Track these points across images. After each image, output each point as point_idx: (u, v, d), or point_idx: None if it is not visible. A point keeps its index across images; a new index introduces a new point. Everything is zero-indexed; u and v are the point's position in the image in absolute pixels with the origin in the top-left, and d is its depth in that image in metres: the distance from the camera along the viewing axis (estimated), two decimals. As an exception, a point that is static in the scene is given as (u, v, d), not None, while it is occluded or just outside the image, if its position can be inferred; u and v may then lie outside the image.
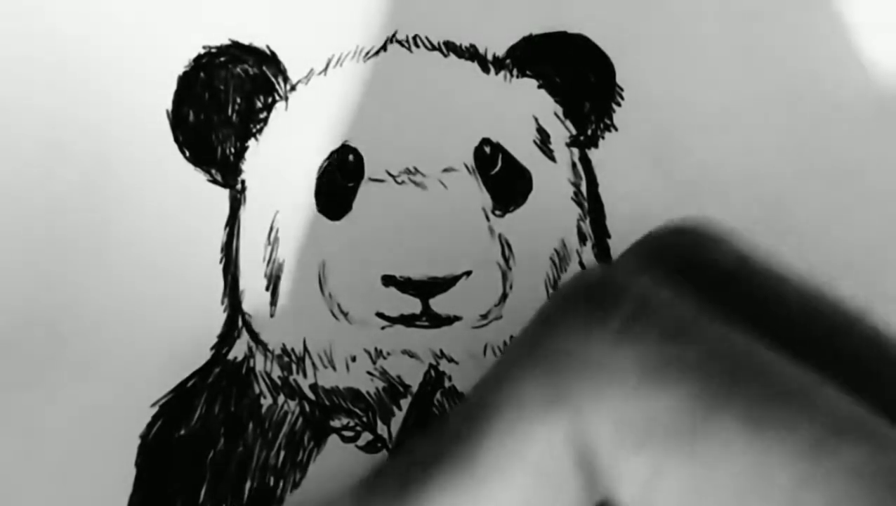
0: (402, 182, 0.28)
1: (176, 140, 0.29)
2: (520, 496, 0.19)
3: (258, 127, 0.29)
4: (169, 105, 0.29)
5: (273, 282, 0.28)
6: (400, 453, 0.21)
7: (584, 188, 0.29)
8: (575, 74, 0.29)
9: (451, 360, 0.28)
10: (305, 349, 0.28)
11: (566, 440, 0.18)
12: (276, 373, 0.28)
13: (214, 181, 0.29)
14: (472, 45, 0.29)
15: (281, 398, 0.28)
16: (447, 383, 0.28)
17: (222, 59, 0.29)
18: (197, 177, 0.29)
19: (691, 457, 0.17)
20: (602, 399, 0.18)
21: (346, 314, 0.28)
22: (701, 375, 0.18)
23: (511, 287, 0.28)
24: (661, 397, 0.18)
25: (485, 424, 0.19)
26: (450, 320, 0.28)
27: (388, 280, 0.28)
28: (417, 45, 0.29)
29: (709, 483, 0.17)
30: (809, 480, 0.17)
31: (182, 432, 0.28)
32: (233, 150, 0.29)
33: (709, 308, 0.19)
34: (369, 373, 0.28)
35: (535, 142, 0.29)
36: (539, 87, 0.29)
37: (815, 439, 0.17)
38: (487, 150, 0.29)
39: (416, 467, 0.20)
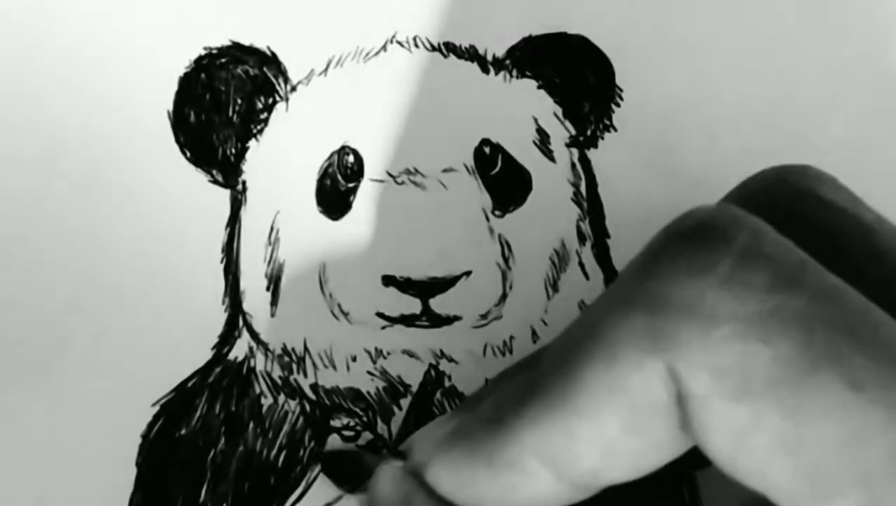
0: (402, 182, 0.28)
1: (177, 141, 0.29)
2: (611, 434, 0.19)
3: (259, 128, 0.29)
4: (170, 106, 0.29)
5: (274, 282, 0.28)
6: (494, 388, 0.21)
7: (583, 188, 0.29)
8: (574, 75, 0.30)
9: (451, 359, 0.28)
10: (306, 349, 0.28)
11: (662, 384, 0.18)
12: (277, 373, 0.28)
13: (215, 182, 0.29)
14: (472, 46, 0.29)
15: (281, 398, 0.28)
16: (447, 383, 0.28)
17: (223, 60, 0.29)
18: (198, 177, 0.29)
19: (789, 411, 0.17)
20: (702, 347, 0.18)
21: (346, 314, 0.28)
22: (806, 329, 0.17)
23: (511, 287, 0.28)
24: (764, 348, 0.17)
25: (582, 362, 0.19)
26: (450, 320, 0.28)
27: (388, 280, 0.28)
28: (417, 46, 0.29)
29: (803, 438, 0.17)
30: None
31: (183, 431, 0.28)
32: (233, 150, 0.29)
33: (819, 253, 0.19)
34: (369, 373, 0.28)
35: (534, 142, 0.29)
36: (539, 87, 0.29)
37: None
38: (487, 150, 0.29)
39: (509, 401, 0.20)
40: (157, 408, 0.28)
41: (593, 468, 0.19)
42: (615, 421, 0.19)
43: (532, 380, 0.20)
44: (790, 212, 0.21)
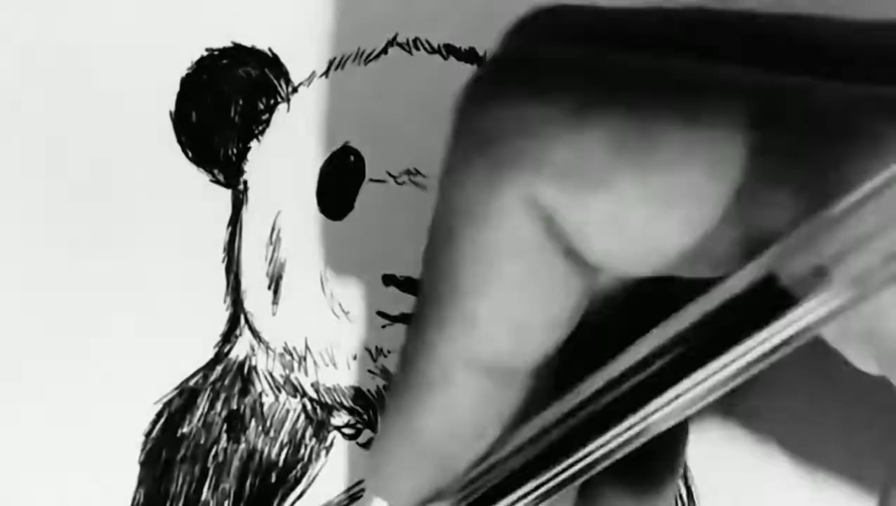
0: (403, 183, 0.28)
1: (179, 141, 0.29)
2: (515, 286, 0.19)
3: (260, 128, 0.29)
4: (172, 106, 0.29)
5: (275, 281, 0.28)
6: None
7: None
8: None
9: (450, 358, 0.28)
10: (307, 348, 0.28)
11: (526, 214, 0.18)
12: (278, 371, 0.28)
13: (217, 182, 0.29)
14: (472, 48, 0.30)
15: (283, 396, 0.28)
16: (447, 381, 0.28)
17: (225, 61, 0.29)
18: (199, 177, 0.29)
19: (606, 188, 0.18)
20: (536, 161, 0.18)
21: (347, 313, 0.28)
22: (612, 116, 0.18)
23: (510, 286, 0.28)
24: (581, 138, 0.18)
25: (454, 230, 0.19)
26: (450, 319, 0.28)
27: (388, 279, 0.28)
28: (418, 49, 0.29)
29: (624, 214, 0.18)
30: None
31: (185, 429, 0.28)
32: (235, 151, 0.29)
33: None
34: (370, 371, 0.28)
35: (533, 143, 0.29)
36: (538, 89, 0.30)
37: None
38: (487, 151, 0.29)
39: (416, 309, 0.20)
40: (159, 406, 0.28)
41: (504, 345, 0.19)
42: (512, 275, 0.19)
43: (423, 286, 0.20)
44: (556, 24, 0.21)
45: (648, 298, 0.21)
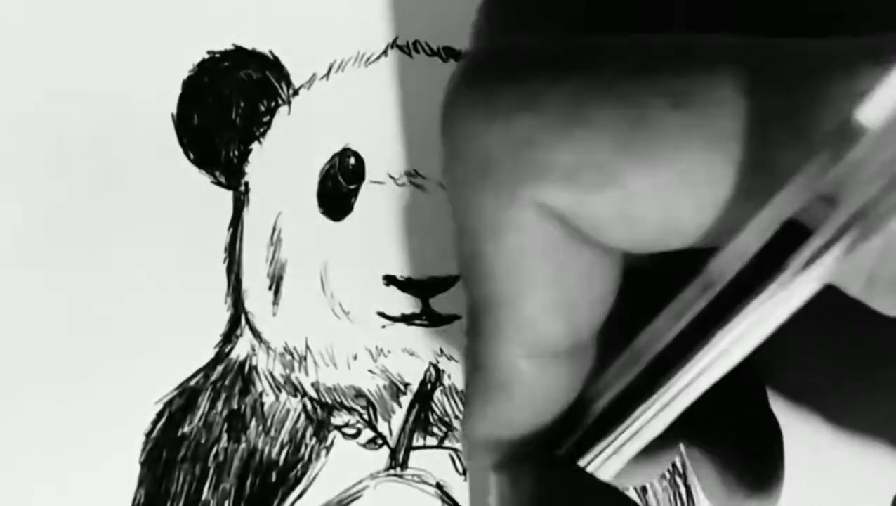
0: (403, 184, 0.29)
1: (181, 143, 0.29)
2: (551, 281, 0.19)
3: (261, 130, 0.29)
4: (174, 109, 0.29)
5: (275, 281, 0.29)
6: None
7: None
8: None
9: (450, 358, 0.28)
10: (307, 348, 0.28)
11: (541, 220, 0.19)
12: (279, 371, 0.28)
13: (218, 183, 0.29)
14: (472, 51, 0.30)
15: (283, 396, 0.28)
16: (447, 381, 0.28)
17: (226, 63, 0.29)
18: (201, 179, 0.29)
19: (614, 185, 0.18)
20: (540, 170, 0.18)
21: (347, 313, 0.28)
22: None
23: (509, 287, 0.29)
24: (579, 139, 0.18)
25: (478, 249, 0.19)
26: (450, 319, 0.28)
27: (388, 280, 0.28)
28: (417, 51, 0.30)
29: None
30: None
31: (185, 429, 0.28)
32: (236, 152, 0.29)
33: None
34: (370, 371, 0.28)
35: (532, 145, 0.29)
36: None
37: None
38: (486, 152, 0.29)
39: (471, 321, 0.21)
40: (160, 406, 0.28)
41: (558, 333, 0.20)
42: (550, 283, 0.19)
43: (470, 307, 0.21)
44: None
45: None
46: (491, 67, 0.19)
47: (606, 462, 0.20)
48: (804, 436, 0.27)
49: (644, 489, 0.28)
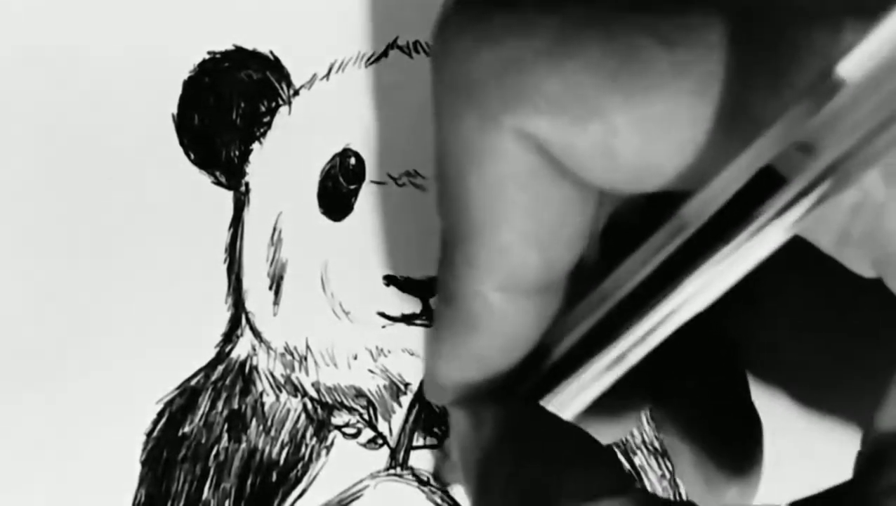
0: (403, 184, 0.29)
1: (181, 143, 0.29)
2: (529, 211, 0.19)
3: (262, 130, 0.29)
4: (175, 109, 0.29)
5: (276, 281, 0.29)
6: None
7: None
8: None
9: (450, 358, 0.28)
10: (308, 347, 0.28)
11: (523, 148, 0.19)
12: (279, 371, 0.28)
13: (219, 183, 0.29)
14: (472, 51, 0.30)
15: (283, 396, 0.28)
16: (447, 381, 0.28)
17: (227, 64, 0.29)
18: (201, 179, 0.29)
19: (597, 118, 0.18)
20: (525, 98, 0.18)
21: (347, 313, 0.28)
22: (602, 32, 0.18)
23: (509, 287, 0.29)
24: (566, 69, 0.18)
25: (459, 173, 0.19)
26: (449, 319, 0.28)
27: (388, 280, 0.28)
28: (417, 52, 0.30)
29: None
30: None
31: (186, 428, 0.28)
32: (237, 153, 0.29)
33: None
34: (370, 371, 0.28)
35: (532, 145, 0.30)
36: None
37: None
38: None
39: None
40: (160, 406, 0.28)
41: (531, 267, 0.20)
42: (522, 208, 0.19)
43: (445, 235, 0.21)
44: None
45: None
46: None
47: (567, 402, 0.20)
48: (786, 422, 0.27)
49: (644, 489, 0.28)
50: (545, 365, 0.21)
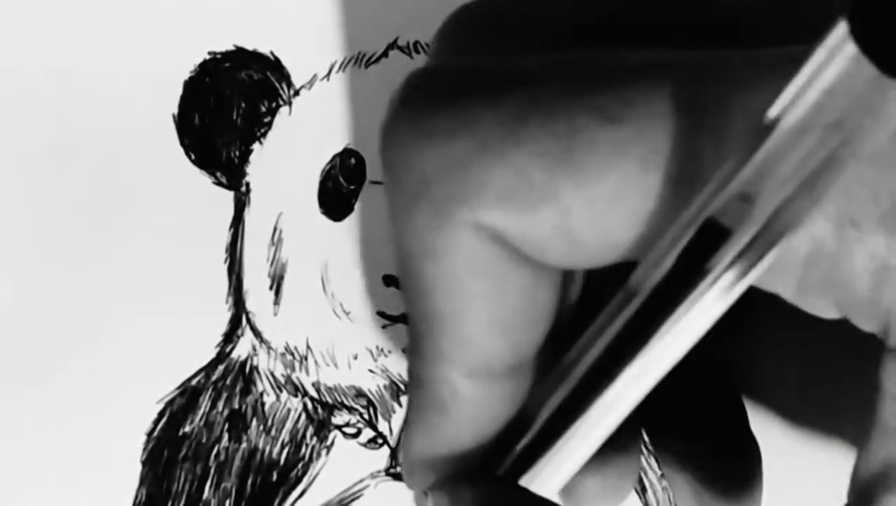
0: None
1: (182, 143, 0.29)
2: (490, 300, 0.19)
3: (262, 131, 0.29)
4: (175, 109, 0.29)
5: (276, 281, 0.29)
6: None
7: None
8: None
9: (450, 358, 0.28)
10: (308, 347, 0.28)
11: (478, 240, 0.19)
12: (280, 371, 0.29)
13: (219, 183, 0.29)
14: (472, 52, 0.30)
15: (284, 396, 0.29)
16: (447, 381, 0.28)
17: (227, 64, 0.29)
18: (202, 179, 0.29)
19: (549, 202, 0.18)
20: (475, 191, 0.19)
21: (348, 313, 0.28)
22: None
23: (509, 287, 0.29)
24: (514, 159, 0.18)
25: (417, 269, 0.19)
26: (450, 319, 0.28)
27: (389, 280, 0.28)
28: (418, 52, 0.30)
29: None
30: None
31: (187, 428, 0.28)
32: (237, 153, 0.29)
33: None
34: (371, 371, 0.28)
35: (532, 145, 0.30)
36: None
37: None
38: (486, 153, 0.29)
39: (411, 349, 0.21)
40: (161, 406, 0.28)
41: (498, 353, 0.20)
42: (483, 297, 0.19)
43: (411, 328, 0.21)
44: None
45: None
46: (428, 88, 0.20)
47: (547, 479, 0.20)
48: (779, 443, 0.27)
49: (643, 489, 0.28)
50: (525, 438, 0.21)
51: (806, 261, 0.18)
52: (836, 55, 0.14)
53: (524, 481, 0.21)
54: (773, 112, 0.16)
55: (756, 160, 0.16)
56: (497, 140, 0.18)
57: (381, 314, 0.28)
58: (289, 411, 0.28)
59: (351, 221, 0.29)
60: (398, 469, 0.28)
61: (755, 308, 0.21)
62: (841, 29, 0.14)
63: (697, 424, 0.25)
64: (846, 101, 0.15)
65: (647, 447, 0.28)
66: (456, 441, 0.21)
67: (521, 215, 0.18)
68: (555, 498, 0.21)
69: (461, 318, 0.19)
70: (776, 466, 0.25)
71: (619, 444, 0.21)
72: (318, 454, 0.28)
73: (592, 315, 0.19)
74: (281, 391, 0.29)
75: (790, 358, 0.26)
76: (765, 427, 0.27)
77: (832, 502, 0.19)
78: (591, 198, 0.18)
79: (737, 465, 0.24)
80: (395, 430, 0.28)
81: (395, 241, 0.20)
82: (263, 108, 0.29)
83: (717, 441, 0.24)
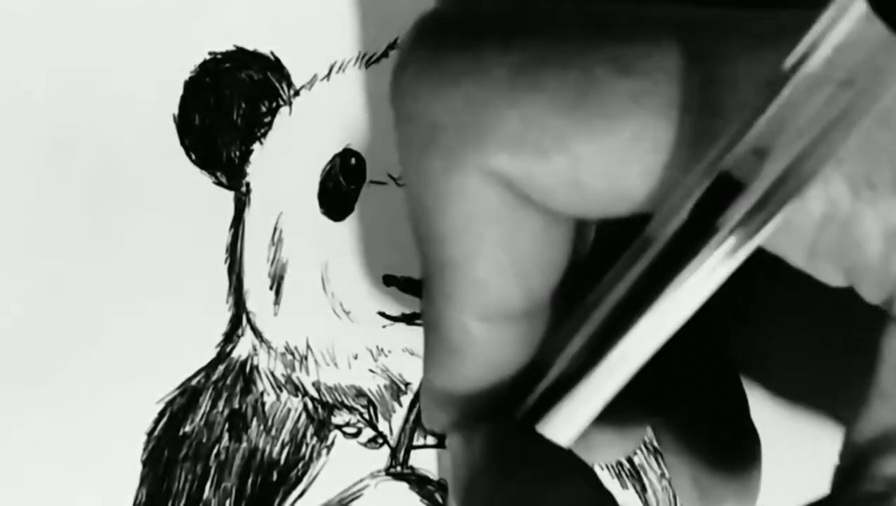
0: (404, 184, 0.29)
1: (182, 144, 0.29)
2: (503, 244, 0.19)
3: (262, 131, 0.29)
4: (176, 109, 0.29)
5: (277, 281, 0.29)
6: None
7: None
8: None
9: (450, 358, 0.28)
10: (308, 347, 0.28)
11: (489, 185, 0.19)
12: (280, 370, 0.29)
13: (220, 184, 0.29)
14: (472, 52, 0.30)
15: (284, 395, 0.29)
16: (447, 381, 0.29)
17: (227, 64, 0.29)
18: (202, 179, 0.29)
19: (561, 151, 0.18)
20: (487, 137, 0.18)
21: (348, 313, 0.28)
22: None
23: (510, 287, 0.29)
24: (527, 104, 0.18)
25: (430, 213, 0.20)
26: (450, 319, 0.28)
27: (389, 280, 0.28)
28: (418, 52, 0.30)
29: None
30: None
31: (187, 428, 0.28)
32: (237, 153, 0.29)
33: None
34: (371, 370, 0.28)
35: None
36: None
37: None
38: (486, 153, 0.29)
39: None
40: (161, 405, 0.28)
41: (510, 297, 0.20)
42: (498, 246, 0.19)
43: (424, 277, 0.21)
44: None
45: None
46: (440, 32, 0.20)
47: (563, 426, 0.20)
48: (780, 432, 0.27)
49: (644, 489, 0.29)
50: (541, 384, 0.21)
51: (819, 222, 0.18)
52: (848, 12, 0.15)
53: (539, 428, 0.21)
54: (786, 65, 0.16)
55: (769, 114, 0.16)
56: (508, 86, 0.18)
57: (381, 314, 0.28)
58: (289, 410, 0.28)
59: (351, 221, 0.29)
60: (398, 469, 0.28)
61: (756, 292, 0.21)
62: None
63: (700, 411, 0.25)
64: (857, 59, 0.15)
65: (647, 447, 0.29)
66: (471, 383, 0.21)
67: (532, 163, 0.18)
68: (569, 445, 0.21)
69: (472, 262, 0.19)
70: (773, 451, 0.25)
71: (631, 394, 0.21)
72: (319, 454, 0.28)
73: (606, 265, 0.19)
74: (281, 391, 0.29)
75: (789, 339, 0.26)
76: (764, 410, 0.27)
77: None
78: (604, 149, 0.18)
79: (736, 451, 0.24)
80: (395, 430, 0.28)
81: (406, 186, 0.20)
82: (263, 109, 0.29)
83: (718, 430, 0.24)
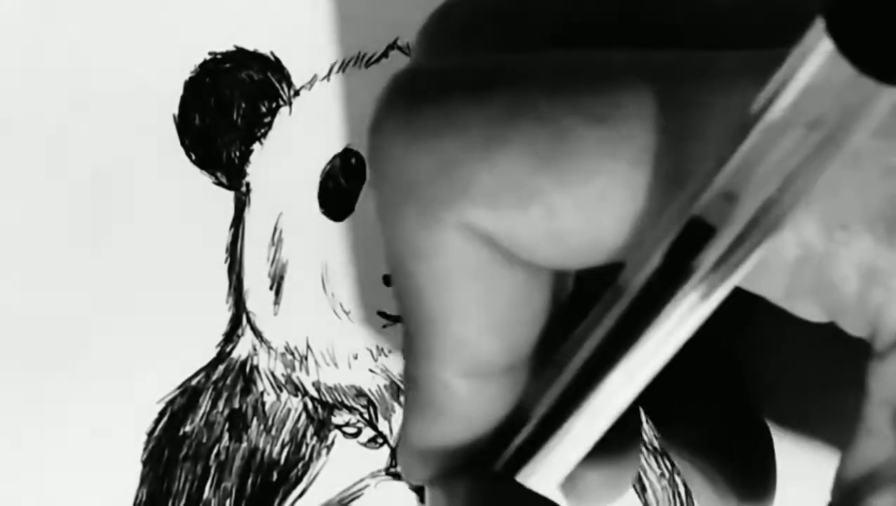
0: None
1: (182, 144, 0.29)
2: (483, 300, 0.19)
3: (262, 131, 0.29)
4: (176, 110, 0.29)
5: (277, 281, 0.29)
6: None
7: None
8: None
9: (450, 357, 0.28)
10: (308, 347, 0.28)
11: (467, 241, 0.19)
12: (280, 370, 0.29)
13: (220, 183, 0.29)
14: (472, 51, 0.30)
15: (284, 395, 0.29)
16: (447, 381, 0.29)
17: (228, 65, 0.29)
18: (202, 179, 0.29)
19: (536, 204, 0.18)
20: (463, 192, 0.18)
21: (348, 313, 0.28)
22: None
23: (510, 287, 0.29)
24: (501, 159, 0.18)
25: (408, 270, 0.19)
26: (449, 319, 0.28)
27: (389, 280, 0.28)
28: (418, 52, 0.30)
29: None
30: None
31: (187, 428, 0.28)
32: (238, 153, 0.29)
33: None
34: (371, 370, 0.28)
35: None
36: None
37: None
38: (486, 153, 0.29)
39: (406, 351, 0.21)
40: (161, 405, 0.28)
41: (492, 353, 0.20)
42: (477, 303, 0.19)
43: (406, 342, 0.21)
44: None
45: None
46: (413, 88, 0.19)
47: (543, 475, 0.20)
48: (797, 442, 0.27)
49: (643, 489, 0.28)
50: (521, 434, 0.21)
51: (794, 264, 0.18)
52: (814, 53, 0.14)
53: (520, 477, 0.21)
54: (753, 109, 0.16)
55: (737, 158, 0.16)
56: (483, 141, 0.18)
57: (381, 314, 0.28)
58: (289, 410, 0.28)
59: (351, 221, 0.29)
60: (398, 469, 0.28)
61: (760, 302, 0.21)
62: (819, 27, 0.14)
63: (709, 417, 0.24)
64: (825, 100, 0.15)
65: (646, 447, 0.28)
66: (452, 438, 0.21)
67: (509, 216, 0.18)
68: (553, 493, 0.21)
69: (453, 319, 0.19)
70: (788, 460, 0.25)
71: (618, 439, 0.21)
72: (319, 454, 0.28)
73: (585, 313, 0.19)
74: (281, 391, 0.29)
75: (791, 345, 0.26)
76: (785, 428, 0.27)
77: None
78: (579, 199, 0.18)
79: (748, 449, 0.24)
80: (396, 429, 0.28)
81: (385, 242, 0.20)
82: (264, 109, 0.29)
83: (729, 433, 0.24)
